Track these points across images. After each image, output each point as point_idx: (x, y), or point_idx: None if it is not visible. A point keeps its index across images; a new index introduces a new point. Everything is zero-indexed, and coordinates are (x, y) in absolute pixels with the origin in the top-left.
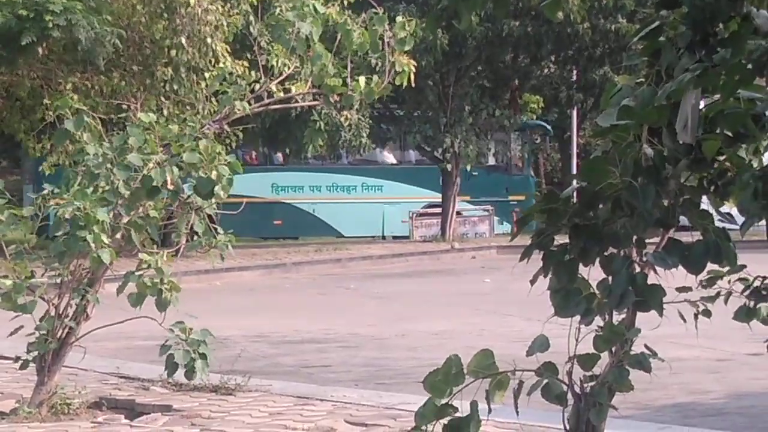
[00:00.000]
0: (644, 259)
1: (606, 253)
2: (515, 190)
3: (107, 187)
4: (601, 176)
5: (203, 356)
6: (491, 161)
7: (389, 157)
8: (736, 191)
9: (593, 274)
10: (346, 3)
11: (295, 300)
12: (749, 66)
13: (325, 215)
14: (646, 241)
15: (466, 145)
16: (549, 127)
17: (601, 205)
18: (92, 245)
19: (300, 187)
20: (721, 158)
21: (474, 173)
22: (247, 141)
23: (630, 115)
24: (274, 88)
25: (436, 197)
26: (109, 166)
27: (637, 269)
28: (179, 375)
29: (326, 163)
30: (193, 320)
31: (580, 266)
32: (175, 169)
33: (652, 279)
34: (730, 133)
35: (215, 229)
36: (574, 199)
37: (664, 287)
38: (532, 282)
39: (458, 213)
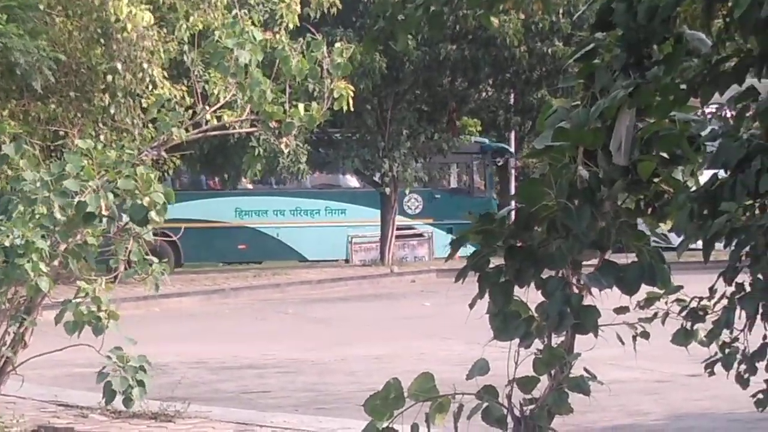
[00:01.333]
0: (580, 280)
1: (542, 275)
2: (478, 212)
3: (44, 212)
4: (537, 198)
5: (141, 383)
6: (453, 184)
7: (352, 181)
8: (672, 212)
9: (532, 296)
10: (286, 29)
11: (234, 325)
12: (683, 86)
13: (289, 239)
14: (584, 262)
15: (404, 168)
16: (512, 150)
17: (536, 227)
18: (30, 273)
19: (264, 212)
20: (657, 180)
21: (437, 196)
22: (185, 167)
23: (565, 136)
24: (209, 116)
25: (401, 220)
26: (46, 192)
27: (574, 290)
28: (118, 402)
29: (290, 187)
30: (131, 346)
31: (521, 290)
32: (111, 196)
33: (588, 300)
34: (665, 155)
35: (148, 257)
36: (510, 221)
37: (600, 309)
38: (471, 306)
39: (420, 235)
